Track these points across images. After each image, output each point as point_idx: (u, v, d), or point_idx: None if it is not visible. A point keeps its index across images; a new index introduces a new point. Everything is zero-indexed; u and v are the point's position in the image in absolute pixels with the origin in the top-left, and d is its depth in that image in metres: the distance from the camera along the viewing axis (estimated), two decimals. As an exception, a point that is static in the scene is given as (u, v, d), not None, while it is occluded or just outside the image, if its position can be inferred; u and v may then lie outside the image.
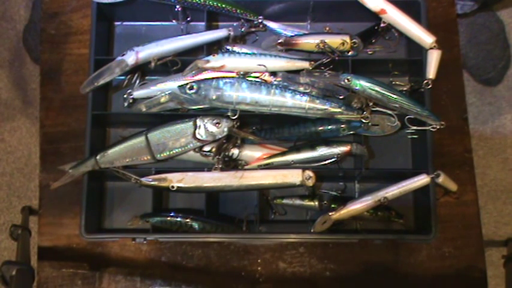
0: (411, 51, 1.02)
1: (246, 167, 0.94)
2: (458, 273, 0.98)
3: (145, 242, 0.95)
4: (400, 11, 0.96)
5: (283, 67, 0.94)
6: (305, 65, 0.94)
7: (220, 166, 0.91)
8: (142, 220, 0.94)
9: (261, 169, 0.93)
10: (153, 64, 0.94)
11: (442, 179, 0.91)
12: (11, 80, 1.69)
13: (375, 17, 0.98)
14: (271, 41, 0.99)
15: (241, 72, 0.92)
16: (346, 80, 0.91)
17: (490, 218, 1.61)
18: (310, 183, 0.90)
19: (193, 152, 0.93)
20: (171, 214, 0.94)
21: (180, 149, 0.91)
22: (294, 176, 0.90)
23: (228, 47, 0.97)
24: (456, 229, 0.99)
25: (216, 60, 0.92)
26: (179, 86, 0.91)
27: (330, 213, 0.90)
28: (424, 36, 0.95)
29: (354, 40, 0.97)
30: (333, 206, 0.95)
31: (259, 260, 0.99)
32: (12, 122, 1.67)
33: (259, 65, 0.92)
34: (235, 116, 0.90)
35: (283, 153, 0.94)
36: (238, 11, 0.99)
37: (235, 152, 0.94)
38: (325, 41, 0.96)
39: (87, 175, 0.92)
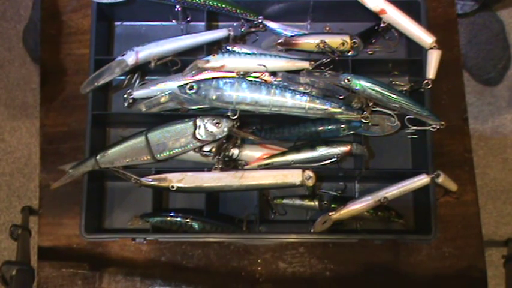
0: (411, 51, 1.02)
1: (246, 167, 0.94)
2: (458, 273, 0.98)
3: (145, 242, 0.95)
4: (400, 11, 0.96)
5: (283, 67, 0.94)
6: (305, 65, 0.94)
7: (220, 166, 0.91)
8: (143, 220, 0.94)
9: (261, 169, 0.93)
10: (153, 64, 0.94)
11: (442, 179, 0.91)
12: (11, 80, 1.69)
13: (375, 17, 0.98)
14: (271, 41, 0.99)
15: (241, 72, 0.92)
16: (346, 80, 0.91)
17: (490, 218, 1.61)
18: (310, 183, 0.90)
19: (193, 152, 0.93)
20: (171, 214, 0.94)
21: (180, 149, 0.91)
22: (294, 176, 0.90)
23: (228, 47, 0.97)
24: (456, 229, 0.99)
25: (216, 60, 0.92)
26: (179, 86, 0.91)
27: (330, 213, 0.90)
28: (424, 36, 0.95)
29: (354, 40, 0.97)
30: (333, 206, 0.95)
31: (259, 260, 0.99)
32: (12, 122, 1.67)
33: (259, 65, 0.92)
34: (235, 116, 0.90)
35: (283, 153, 0.94)
36: (238, 11, 0.99)
37: (235, 152, 0.94)
38: (325, 41, 0.96)
39: (87, 175, 0.92)
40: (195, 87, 0.89)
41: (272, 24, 1.01)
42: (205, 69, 0.93)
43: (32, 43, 1.65)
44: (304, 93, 0.90)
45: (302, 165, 0.93)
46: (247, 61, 0.93)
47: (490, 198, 1.62)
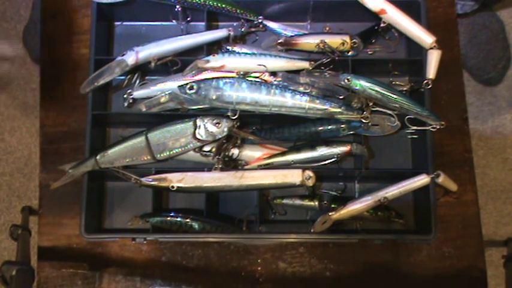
0: (411, 51, 1.02)
1: (246, 167, 0.94)
2: (458, 273, 0.98)
3: (145, 242, 0.95)
4: (400, 11, 0.96)
5: (283, 67, 0.94)
6: (305, 65, 0.94)
7: (220, 166, 0.91)
8: (142, 220, 0.94)
9: (261, 169, 0.93)
10: (153, 64, 0.94)
11: (442, 179, 0.91)
12: (11, 80, 1.69)
13: (375, 17, 0.98)
14: (271, 41, 0.99)
15: (241, 72, 0.92)
16: (346, 80, 0.91)
17: (490, 218, 1.61)
18: (310, 183, 0.90)
19: (193, 152, 0.93)
20: (171, 214, 0.94)
21: (180, 149, 0.91)
22: (294, 176, 0.90)
23: (228, 47, 0.97)
24: (456, 229, 0.99)
25: (216, 60, 0.92)
26: (179, 86, 0.91)
27: (330, 213, 0.90)
28: (424, 36, 0.95)
29: (354, 40, 0.97)
30: (333, 206, 0.95)
31: (259, 260, 0.99)
32: (12, 122, 1.67)
33: (259, 65, 0.92)
34: (235, 116, 0.90)
35: (283, 153, 0.94)
36: (238, 11, 0.99)
37: (235, 152, 0.94)
38: (325, 41, 0.96)
39: (87, 175, 0.92)
40: (195, 87, 0.89)
41: (272, 24, 1.01)
42: (205, 69, 0.93)
43: (32, 43, 1.65)
44: (304, 93, 0.90)
45: (302, 165, 0.93)
46: (247, 61, 0.93)
47: (490, 198, 1.62)
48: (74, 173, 0.92)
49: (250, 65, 0.93)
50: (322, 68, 0.94)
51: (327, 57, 0.94)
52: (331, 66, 0.94)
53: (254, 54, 0.94)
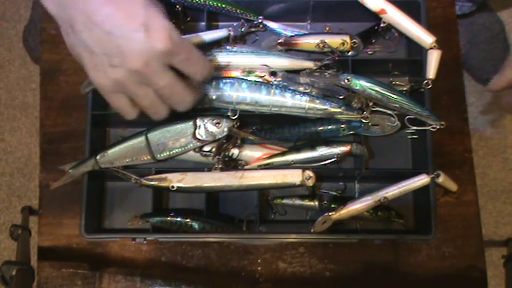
0: (411, 51, 1.02)
1: (246, 167, 0.94)
2: (458, 273, 0.98)
3: (145, 242, 0.95)
4: (400, 11, 0.96)
5: (287, 67, 0.94)
6: (309, 65, 0.94)
7: (220, 166, 0.91)
8: (143, 220, 0.94)
9: (261, 169, 0.93)
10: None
11: (442, 179, 0.91)
12: (11, 80, 1.69)
13: (375, 17, 0.98)
14: (271, 41, 0.99)
15: (246, 70, 0.92)
16: (346, 80, 0.91)
17: (490, 218, 1.61)
18: (310, 183, 0.90)
19: (193, 152, 0.93)
20: (171, 214, 0.94)
21: (180, 149, 0.91)
22: (294, 176, 0.90)
23: (228, 47, 0.97)
24: (456, 229, 0.99)
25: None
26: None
27: (330, 213, 0.90)
28: (424, 36, 0.95)
29: (354, 40, 0.97)
30: (333, 206, 0.95)
31: (259, 260, 0.99)
32: (12, 122, 1.67)
33: (263, 64, 0.92)
34: (235, 116, 0.90)
35: (283, 153, 0.94)
36: (238, 11, 0.99)
37: (235, 152, 0.94)
38: (325, 41, 0.96)
39: (87, 175, 0.92)
40: (195, 87, 0.89)
41: (272, 24, 1.01)
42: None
43: (32, 43, 1.65)
44: (304, 93, 0.90)
45: (302, 165, 0.93)
46: (248, 60, 0.93)
47: (490, 198, 1.62)
48: (74, 173, 0.92)
49: (253, 64, 0.93)
50: (323, 68, 0.94)
51: (329, 58, 0.94)
52: (334, 67, 0.94)
53: (253, 53, 0.94)
